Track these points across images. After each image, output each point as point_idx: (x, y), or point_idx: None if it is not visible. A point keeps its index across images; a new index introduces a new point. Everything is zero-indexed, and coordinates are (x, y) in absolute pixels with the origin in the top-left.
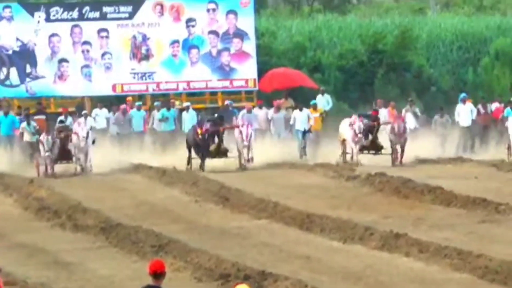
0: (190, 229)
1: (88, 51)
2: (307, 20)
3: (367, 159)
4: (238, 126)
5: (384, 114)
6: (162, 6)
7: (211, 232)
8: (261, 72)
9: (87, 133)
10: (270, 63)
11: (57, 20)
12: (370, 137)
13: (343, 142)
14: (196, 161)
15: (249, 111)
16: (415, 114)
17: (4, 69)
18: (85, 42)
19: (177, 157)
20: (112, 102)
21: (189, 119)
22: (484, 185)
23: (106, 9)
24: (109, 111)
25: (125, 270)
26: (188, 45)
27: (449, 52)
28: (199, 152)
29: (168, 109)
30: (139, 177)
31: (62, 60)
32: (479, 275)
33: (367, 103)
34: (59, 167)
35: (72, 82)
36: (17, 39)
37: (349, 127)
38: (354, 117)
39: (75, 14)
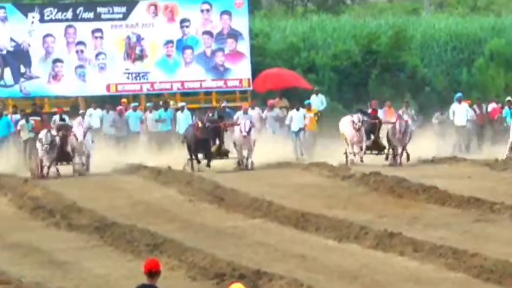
0: (185, 228)
1: (82, 51)
2: (301, 20)
3: (370, 159)
4: (238, 124)
5: (380, 114)
6: (156, 6)
7: (206, 232)
8: (255, 72)
9: (85, 133)
10: (264, 63)
11: (51, 20)
12: (372, 137)
13: (346, 140)
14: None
15: (245, 112)
16: (411, 117)
17: None
18: (79, 43)
19: (172, 156)
20: (106, 102)
21: (184, 119)
22: (478, 184)
23: (100, 9)
24: (102, 109)
25: (120, 269)
26: (182, 46)
27: (443, 53)
28: (200, 150)
29: (165, 109)
30: (135, 177)
31: (56, 60)
32: (474, 274)
33: (361, 103)
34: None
35: (66, 82)
36: (11, 39)
37: (349, 124)
38: (355, 116)
39: (69, 14)
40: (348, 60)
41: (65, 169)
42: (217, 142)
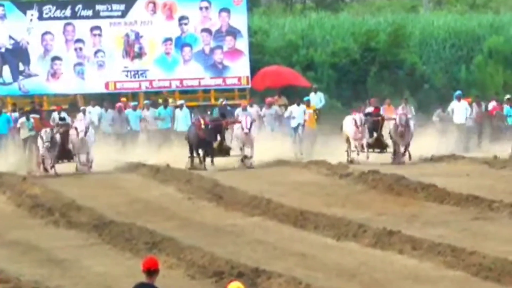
0: (184, 226)
1: (81, 49)
2: (299, 18)
3: (374, 157)
4: (240, 122)
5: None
6: (154, 4)
7: (205, 230)
8: (254, 70)
9: (86, 130)
10: (263, 61)
11: (49, 18)
12: (375, 134)
13: (348, 140)
14: (197, 160)
15: (244, 109)
16: (411, 113)
17: None
18: (78, 40)
19: (172, 154)
20: (105, 99)
21: (183, 117)
22: (477, 182)
23: (99, 7)
24: (101, 107)
25: (118, 267)
26: (181, 43)
27: (442, 50)
28: (202, 148)
29: (165, 107)
30: (134, 175)
31: (55, 58)
32: (473, 272)
33: (360, 101)
34: (58, 166)
35: (65, 80)
36: (10, 37)
37: (352, 123)
38: (357, 116)
39: (68, 12)
40: (347, 58)
41: (65, 167)
42: (218, 138)
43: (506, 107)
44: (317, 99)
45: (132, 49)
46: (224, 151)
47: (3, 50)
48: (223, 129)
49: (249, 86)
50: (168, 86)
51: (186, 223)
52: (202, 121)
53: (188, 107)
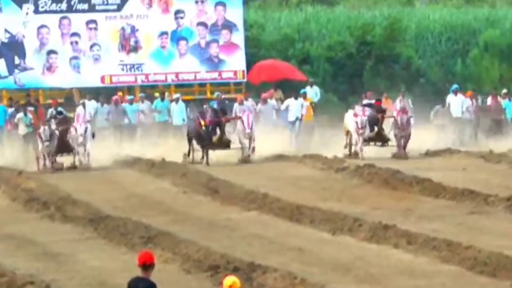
0: (179, 221)
1: (76, 42)
2: (295, 11)
3: (374, 151)
4: (240, 118)
5: None
6: None
7: (200, 224)
8: (250, 64)
9: (86, 128)
10: (259, 55)
11: (45, 11)
12: (376, 128)
13: (348, 133)
14: (197, 154)
15: (241, 103)
16: (409, 106)
17: None
18: (73, 34)
19: (168, 147)
20: (101, 93)
21: (179, 110)
22: (473, 176)
23: (94, 1)
24: (97, 101)
25: (114, 261)
26: (177, 37)
27: (438, 44)
28: (201, 143)
29: (162, 100)
30: (129, 169)
31: (50, 52)
32: (468, 267)
33: (356, 94)
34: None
35: (61, 74)
36: (6, 30)
37: (353, 117)
38: (357, 108)
39: (63, 5)
40: (343, 52)
41: (64, 161)
42: (218, 132)
43: (505, 101)
44: (313, 93)
45: (128, 42)
46: (224, 144)
47: None
48: (222, 124)
49: (245, 80)
50: (164, 79)
51: (182, 217)
52: (202, 122)
53: (184, 100)
